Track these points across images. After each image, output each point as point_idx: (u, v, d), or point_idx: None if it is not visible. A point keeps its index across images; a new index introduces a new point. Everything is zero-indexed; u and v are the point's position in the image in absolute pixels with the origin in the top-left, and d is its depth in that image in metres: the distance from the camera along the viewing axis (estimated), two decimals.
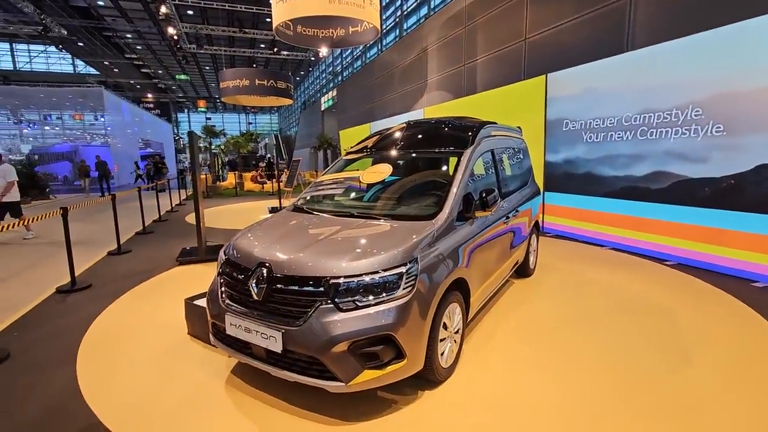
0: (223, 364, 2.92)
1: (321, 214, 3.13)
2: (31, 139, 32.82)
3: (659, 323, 3.53)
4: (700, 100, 4.91)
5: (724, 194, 4.77)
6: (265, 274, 2.36)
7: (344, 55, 30.10)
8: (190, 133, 5.43)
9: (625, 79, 5.79)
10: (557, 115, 6.92)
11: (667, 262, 5.32)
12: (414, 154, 3.66)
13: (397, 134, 3.79)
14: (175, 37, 17.09)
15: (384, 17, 21.59)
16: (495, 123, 4.21)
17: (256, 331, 2.31)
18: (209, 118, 48.45)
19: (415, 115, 11.75)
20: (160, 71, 39.04)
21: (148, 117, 32.07)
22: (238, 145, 17.53)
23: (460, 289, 2.83)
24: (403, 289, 2.27)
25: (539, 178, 7.32)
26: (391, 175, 3.48)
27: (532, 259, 4.82)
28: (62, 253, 4.75)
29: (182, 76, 35.28)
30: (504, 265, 3.78)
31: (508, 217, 3.73)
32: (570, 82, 6.68)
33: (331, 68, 33.66)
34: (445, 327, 2.64)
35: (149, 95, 42.79)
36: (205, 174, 15.49)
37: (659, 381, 2.64)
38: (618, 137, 5.90)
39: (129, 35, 28.94)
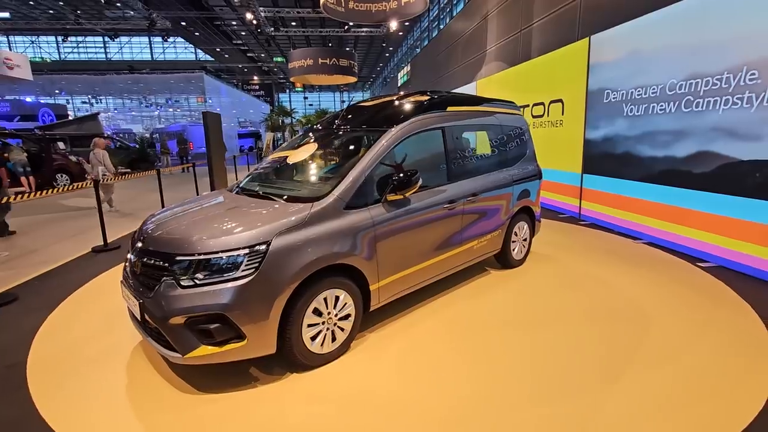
0: None
1: (238, 194, 3.22)
2: (163, 119, 38.64)
3: (627, 335, 2.96)
4: (756, 60, 3.81)
5: None
6: (139, 248, 2.56)
7: (431, 27, 29.16)
8: (205, 114, 5.87)
9: (673, 38, 4.71)
10: (599, 85, 5.94)
11: (703, 264, 4.35)
12: (345, 134, 3.52)
13: (342, 113, 3.67)
14: (254, 22, 18.32)
15: None
16: (462, 97, 3.82)
17: (131, 299, 2.54)
18: (306, 98, 51.38)
19: (469, 88, 11.03)
20: (262, 55, 42.36)
21: (247, 98, 35.11)
22: (310, 123, 18.42)
23: (351, 275, 2.72)
24: (243, 270, 2.26)
25: (577, 158, 6.46)
26: (322, 155, 3.41)
27: (516, 248, 4.34)
28: (125, 219, 5.61)
29: (279, 59, 37.80)
30: (449, 254, 3.47)
31: (452, 201, 3.40)
32: (614, 44, 5.65)
33: (418, 42, 32.97)
34: (319, 313, 2.57)
35: (255, 78, 46.94)
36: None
37: (577, 397, 2.27)
38: (660, 109, 4.88)
39: (234, 23, 31.83)
